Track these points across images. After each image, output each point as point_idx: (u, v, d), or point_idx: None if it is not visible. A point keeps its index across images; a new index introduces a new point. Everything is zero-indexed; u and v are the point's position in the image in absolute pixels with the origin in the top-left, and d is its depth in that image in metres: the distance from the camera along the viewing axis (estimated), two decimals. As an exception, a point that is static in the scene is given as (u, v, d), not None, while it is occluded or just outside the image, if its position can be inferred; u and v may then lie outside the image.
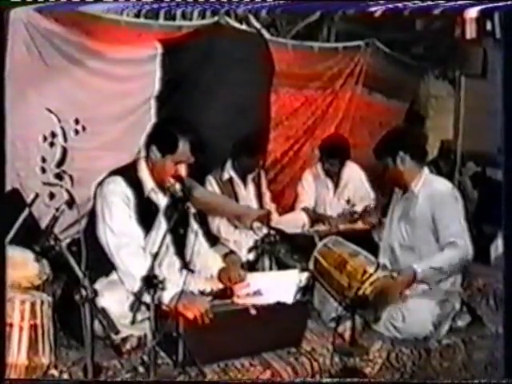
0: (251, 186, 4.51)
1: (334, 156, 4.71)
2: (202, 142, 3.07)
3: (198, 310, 2.70)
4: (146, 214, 2.99)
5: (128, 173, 3.00)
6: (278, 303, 2.98)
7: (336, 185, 4.85)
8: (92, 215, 3.01)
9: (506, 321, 2.63)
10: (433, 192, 3.36)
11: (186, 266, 3.15)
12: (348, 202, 4.82)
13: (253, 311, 2.88)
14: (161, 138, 3.03)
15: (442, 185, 3.45)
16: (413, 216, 3.39)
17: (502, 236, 2.98)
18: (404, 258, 3.40)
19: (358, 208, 4.73)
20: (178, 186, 2.88)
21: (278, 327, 2.99)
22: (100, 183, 3.02)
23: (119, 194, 2.93)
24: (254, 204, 4.50)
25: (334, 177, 4.82)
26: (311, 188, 4.88)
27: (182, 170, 2.97)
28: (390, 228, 3.55)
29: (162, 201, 3.05)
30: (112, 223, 2.90)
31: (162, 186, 3.02)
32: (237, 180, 4.46)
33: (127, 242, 2.88)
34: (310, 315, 3.33)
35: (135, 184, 2.98)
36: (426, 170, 3.47)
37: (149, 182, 3.01)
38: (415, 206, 3.39)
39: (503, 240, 2.82)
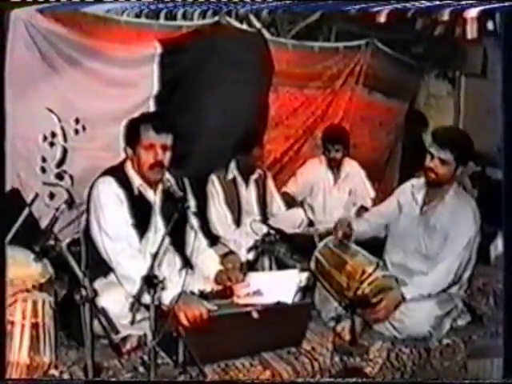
0: (253, 188, 4.50)
1: (337, 142, 4.74)
2: (165, 121, 3.10)
3: (195, 315, 2.69)
4: (140, 213, 3.00)
5: (118, 172, 3.03)
6: (280, 306, 2.97)
7: (337, 176, 4.88)
8: (87, 217, 3.03)
9: (505, 320, 2.63)
10: (459, 208, 3.34)
11: (186, 264, 3.16)
12: (350, 193, 4.85)
13: (255, 314, 2.87)
14: (126, 135, 3.12)
15: (469, 204, 3.39)
16: (433, 224, 3.38)
17: (501, 236, 2.98)
18: (419, 264, 3.39)
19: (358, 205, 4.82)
20: (176, 186, 2.89)
21: (279, 329, 2.99)
22: (92, 185, 3.03)
23: (111, 194, 2.95)
24: (254, 206, 4.49)
25: (336, 167, 4.85)
26: (304, 177, 4.92)
27: (163, 157, 2.98)
28: (407, 230, 3.50)
29: (152, 197, 3.07)
30: (107, 227, 2.91)
31: (148, 181, 3.04)
32: (239, 180, 4.46)
33: (124, 246, 2.89)
34: (311, 317, 3.32)
35: (126, 183, 3.00)
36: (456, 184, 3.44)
37: (136, 180, 3.03)
38: (439, 214, 3.38)
39: (503, 240, 2.81)
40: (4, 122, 2.56)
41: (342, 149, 4.75)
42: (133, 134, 3.03)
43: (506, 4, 2.65)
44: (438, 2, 2.87)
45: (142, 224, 3.01)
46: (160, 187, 3.07)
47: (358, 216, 4.53)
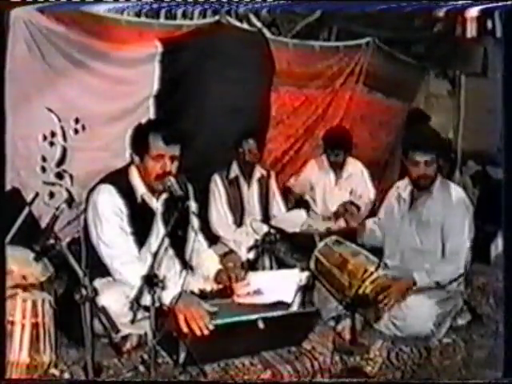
0: (256, 188, 4.50)
1: (338, 147, 4.73)
2: (175, 133, 3.03)
3: (197, 322, 2.67)
4: (142, 221, 2.97)
5: (120, 180, 2.98)
6: (285, 314, 2.96)
7: (339, 175, 4.87)
8: (86, 218, 3.01)
9: (505, 319, 2.64)
10: (448, 199, 3.39)
11: (185, 266, 3.15)
12: (351, 193, 4.85)
13: (261, 325, 2.84)
14: (133, 141, 3.05)
15: (457, 193, 3.45)
16: (426, 219, 3.41)
17: (501, 235, 2.99)
18: (416, 262, 3.40)
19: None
20: (176, 185, 2.87)
21: (283, 337, 3.00)
22: (92, 189, 3.00)
23: (111, 205, 2.91)
24: (256, 205, 4.49)
25: (338, 168, 4.85)
26: (307, 178, 4.93)
27: (171, 167, 2.94)
28: (400, 230, 3.53)
29: (155, 205, 3.04)
30: (104, 236, 2.89)
31: (152, 190, 3.00)
32: (242, 180, 4.46)
33: (120, 253, 2.87)
34: (316, 323, 3.31)
35: (127, 191, 2.96)
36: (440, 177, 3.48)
37: (140, 188, 2.99)
38: (429, 208, 3.41)
39: (503, 239, 2.82)
40: (4, 122, 2.56)
41: (342, 153, 4.74)
42: (141, 142, 2.96)
43: (503, 4, 2.65)
44: (438, 2, 2.87)
45: (143, 232, 2.98)
46: (163, 195, 3.04)
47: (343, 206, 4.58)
